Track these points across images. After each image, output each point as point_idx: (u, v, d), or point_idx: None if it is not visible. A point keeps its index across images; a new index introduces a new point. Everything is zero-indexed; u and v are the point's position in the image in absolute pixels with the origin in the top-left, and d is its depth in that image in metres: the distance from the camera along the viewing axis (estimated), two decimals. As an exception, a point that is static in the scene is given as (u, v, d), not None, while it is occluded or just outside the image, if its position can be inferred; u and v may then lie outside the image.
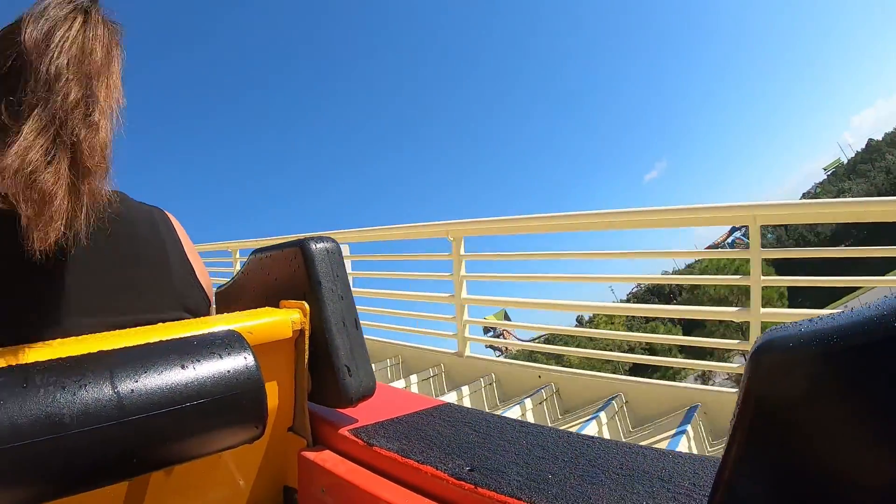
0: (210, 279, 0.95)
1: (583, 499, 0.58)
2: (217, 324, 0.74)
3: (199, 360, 0.62)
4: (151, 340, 0.65)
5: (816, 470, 0.37)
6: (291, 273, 0.88)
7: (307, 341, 0.85)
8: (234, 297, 1.05)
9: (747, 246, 2.84)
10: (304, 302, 0.85)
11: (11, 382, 0.53)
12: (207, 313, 0.90)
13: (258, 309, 0.85)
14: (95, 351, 0.61)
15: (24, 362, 0.57)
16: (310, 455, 0.85)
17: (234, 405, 0.63)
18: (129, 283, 0.77)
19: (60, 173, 0.62)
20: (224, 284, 1.10)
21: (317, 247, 0.86)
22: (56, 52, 0.66)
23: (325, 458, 0.83)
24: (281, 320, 0.82)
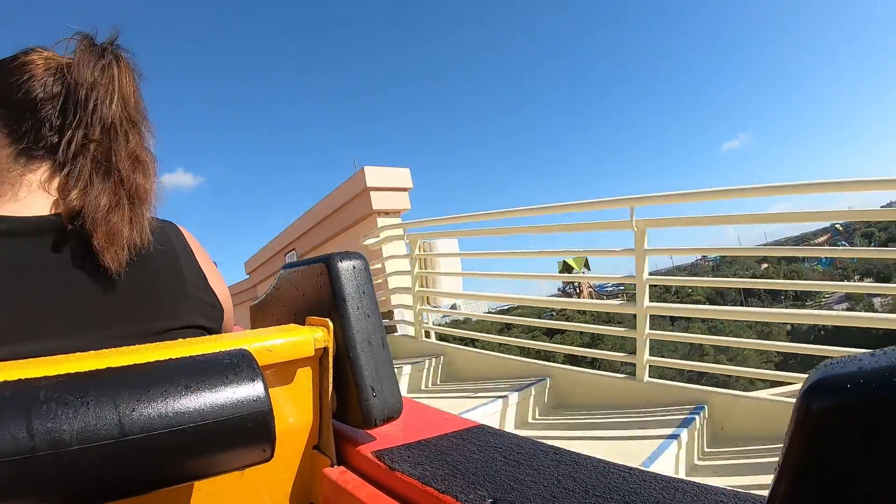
0: (227, 289, 0.96)
1: None
2: (236, 342, 0.73)
3: (203, 381, 0.61)
4: (161, 358, 0.64)
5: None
6: (318, 289, 0.86)
7: (331, 359, 0.83)
8: (266, 312, 1.05)
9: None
10: (328, 319, 0.83)
11: (15, 396, 0.52)
12: (221, 320, 0.91)
13: (282, 326, 0.83)
14: (103, 367, 0.60)
15: (31, 377, 0.57)
16: (332, 475, 0.82)
17: (238, 427, 0.61)
18: (144, 292, 0.79)
19: (124, 214, 0.79)
20: (259, 298, 1.09)
21: (342, 263, 0.84)
22: (105, 97, 0.81)
23: (348, 480, 0.80)
24: (304, 339, 0.80)
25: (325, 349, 0.82)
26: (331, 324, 0.82)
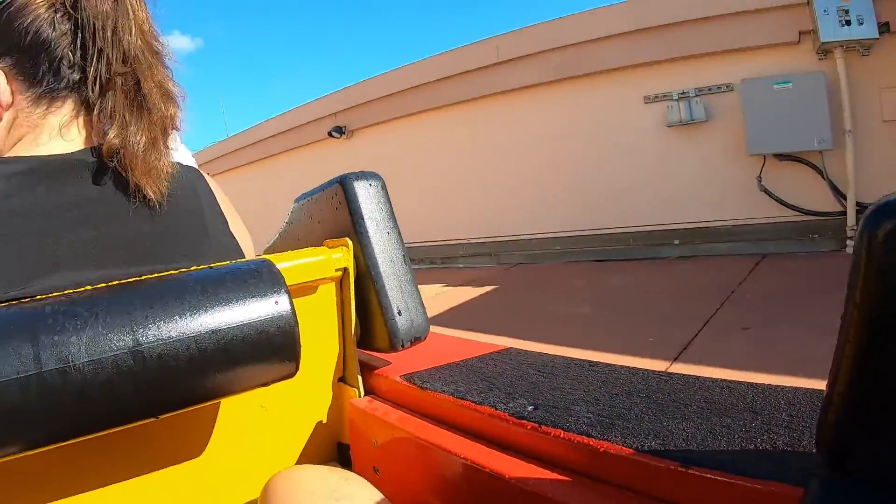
0: (248, 236, 0.92)
1: (665, 434, 0.51)
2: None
3: (222, 288, 0.57)
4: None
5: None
6: (334, 212, 0.83)
7: (352, 281, 0.80)
8: (280, 251, 1.01)
9: None
10: (346, 238, 0.79)
11: (20, 312, 0.49)
12: None
13: (298, 250, 0.80)
14: (115, 284, 0.57)
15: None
16: (360, 405, 0.79)
17: (261, 335, 0.57)
18: (169, 233, 0.76)
19: (160, 149, 0.76)
20: (271, 241, 1.06)
21: (358, 182, 0.80)
22: (123, 27, 0.75)
23: (376, 408, 0.77)
24: (323, 259, 0.76)
25: (346, 270, 0.79)
26: (350, 242, 0.79)
